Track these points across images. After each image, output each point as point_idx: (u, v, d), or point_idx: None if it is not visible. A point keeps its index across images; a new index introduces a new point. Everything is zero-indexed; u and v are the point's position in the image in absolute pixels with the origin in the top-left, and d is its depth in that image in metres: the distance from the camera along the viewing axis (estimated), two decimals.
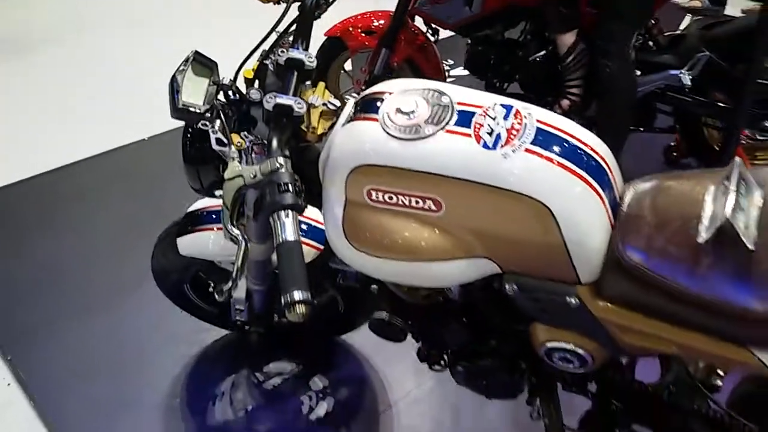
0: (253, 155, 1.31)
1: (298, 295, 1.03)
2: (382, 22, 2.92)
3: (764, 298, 1.09)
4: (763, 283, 1.10)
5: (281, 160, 1.16)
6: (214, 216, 1.76)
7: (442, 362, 1.70)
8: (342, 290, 1.90)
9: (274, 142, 1.20)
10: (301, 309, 1.04)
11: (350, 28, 2.94)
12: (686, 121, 2.85)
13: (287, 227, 1.09)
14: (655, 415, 1.51)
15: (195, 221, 1.78)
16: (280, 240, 1.09)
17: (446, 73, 3.37)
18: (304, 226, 1.75)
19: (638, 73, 2.63)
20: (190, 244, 1.77)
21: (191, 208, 1.82)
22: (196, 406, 2.05)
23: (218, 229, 1.73)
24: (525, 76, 2.81)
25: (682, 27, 2.91)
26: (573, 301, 1.24)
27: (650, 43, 2.78)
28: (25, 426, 2.01)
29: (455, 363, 1.62)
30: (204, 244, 1.75)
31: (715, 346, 1.16)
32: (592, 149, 1.23)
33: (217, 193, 1.44)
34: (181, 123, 1.38)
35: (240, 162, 1.25)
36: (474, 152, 1.18)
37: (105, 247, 2.66)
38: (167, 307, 2.06)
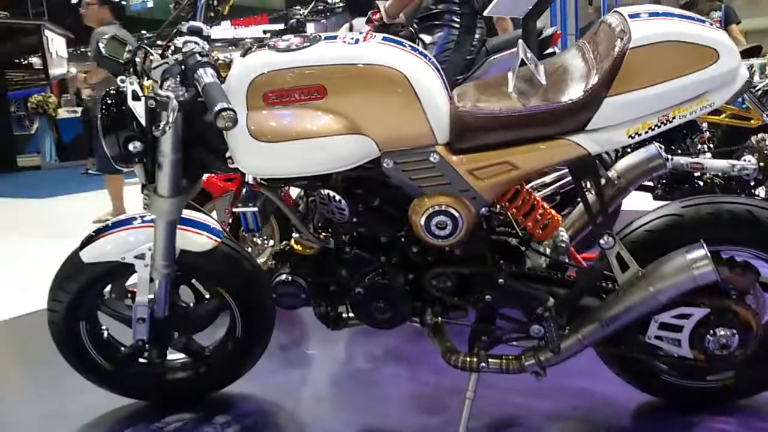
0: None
1: (220, 105, 1.36)
2: None
3: (558, 101, 1.56)
4: (555, 93, 1.58)
5: (192, 43, 1.55)
6: (115, 224, 1.94)
7: (341, 320, 1.90)
8: (238, 297, 2.05)
9: (186, 36, 1.61)
10: (227, 114, 1.35)
11: (212, 179, 3.37)
12: None
13: (209, 73, 1.45)
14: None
15: (98, 231, 1.94)
16: (203, 83, 1.42)
17: None
18: (200, 225, 1.99)
19: None
20: (94, 251, 1.90)
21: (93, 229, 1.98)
22: None
23: (118, 232, 1.91)
24: None
25: None
26: (434, 157, 1.61)
27: None
28: None
29: (354, 298, 1.81)
30: (109, 245, 1.89)
31: (542, 148, 1.58)
32: (427, 55, 1.71)
33: (131, 146, 1.68)
34: None
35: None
36: (343, 47, 1.62)
37: None
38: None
